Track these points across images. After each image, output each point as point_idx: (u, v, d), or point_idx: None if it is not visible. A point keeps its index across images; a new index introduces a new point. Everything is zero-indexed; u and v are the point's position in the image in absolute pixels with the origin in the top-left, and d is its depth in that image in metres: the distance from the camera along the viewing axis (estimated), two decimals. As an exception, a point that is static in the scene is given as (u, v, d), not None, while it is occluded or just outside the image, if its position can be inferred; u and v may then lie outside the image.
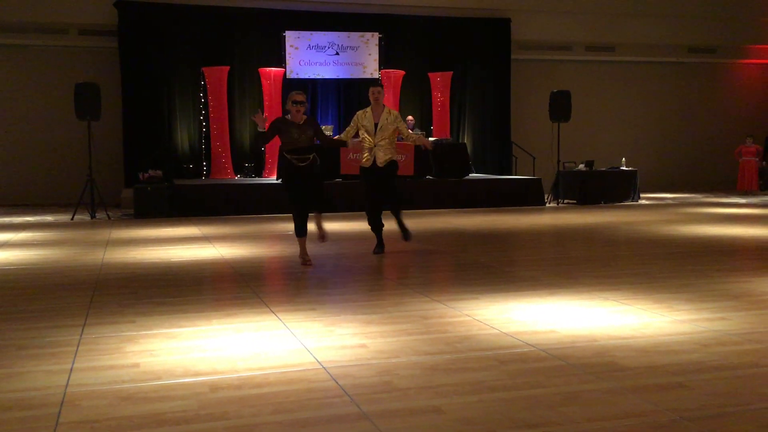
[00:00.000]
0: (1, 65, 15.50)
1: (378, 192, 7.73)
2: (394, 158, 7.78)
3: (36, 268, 7.26)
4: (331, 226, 10.66)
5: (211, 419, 3.07)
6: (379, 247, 7.91)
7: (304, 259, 7.20)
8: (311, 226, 7.25)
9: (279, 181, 7.70)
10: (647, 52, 19.31)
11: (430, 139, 15.31)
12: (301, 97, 7.03)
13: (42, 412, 3.17)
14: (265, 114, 15.57)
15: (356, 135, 7.84)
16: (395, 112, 7.80)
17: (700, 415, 3.08)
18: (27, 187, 15.53)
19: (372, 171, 7.66)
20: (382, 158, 7.61)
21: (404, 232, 7.94)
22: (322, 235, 7.39)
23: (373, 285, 6.23)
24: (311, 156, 7.02)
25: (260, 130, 7.15)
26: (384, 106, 7.74)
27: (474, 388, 3.44)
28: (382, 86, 7.85)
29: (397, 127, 7.68)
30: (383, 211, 7.90)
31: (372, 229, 7.93)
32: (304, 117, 7.04)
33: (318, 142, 7.30)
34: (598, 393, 3.36)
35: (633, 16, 18.85)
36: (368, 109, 7.70)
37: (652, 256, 7.75)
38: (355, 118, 7.76)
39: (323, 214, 7.40)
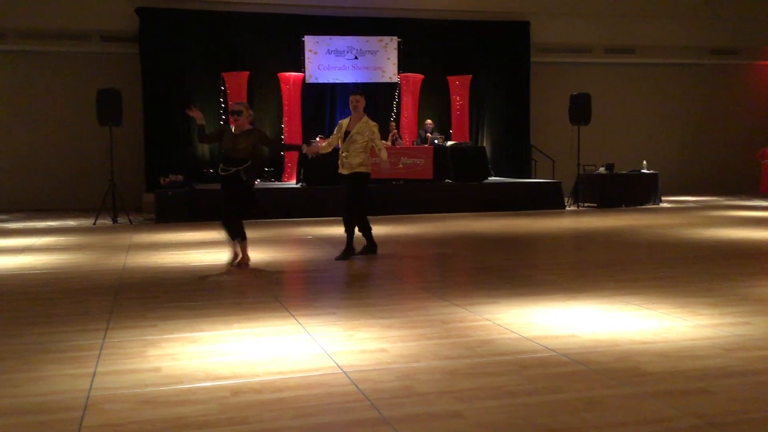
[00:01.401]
0: (25, 71, 15.69)
1: (345, 198, 7.76)
2: (361, 170, 7.64)
3: (59, 272, 7.34)
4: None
5: (232, 423, 3.09)
6: (345, 252, 7.77)
7: (235, 261, 7.37)
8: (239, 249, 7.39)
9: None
10: (668, 54, 19.15)
11: (449, 143, 15.31)
12: (237, 107, 7.19)
13: (65, 416, 3.20)
14: (285, 117, 15.67)
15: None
16: (373, 124, 7.73)
17: (723, 420, 3.05)
18: (50, 191, 15.69)
19: (342, 178, 7.71)
20: (347, 167, 7.62)
21: (347, 249, 7.77)
22: (244, 262, 7.40)
23: (392, 289, 6.23)
24: (236, 169, 7.06)
25: (200, 123, 7.32)
26: (364, 115, 7.70)
27: (495, 392, 3.43)
28: (362, 95, 7.77)
29: (372, 139, 7.63)
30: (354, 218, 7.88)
31: (350, 231, 7.84)
32: (246, 128, 7.19)
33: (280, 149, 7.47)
34: (620, 398, 3.33)
35: (653, 18, 18.71)
36: (350, 116, 7.77)
37: (674, 259, 7.68)
38: (338, 124, 7.86)
39: (245, 241, 7.42)
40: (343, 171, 7.68)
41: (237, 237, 7.33)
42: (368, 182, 7.82)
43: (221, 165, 7.16)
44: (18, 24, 15.17)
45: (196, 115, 7.26)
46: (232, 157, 7.10)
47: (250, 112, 7.39)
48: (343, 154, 7.63)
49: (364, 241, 7.97)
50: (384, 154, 7.84)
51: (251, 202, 7.37)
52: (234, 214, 7.27)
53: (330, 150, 8.02)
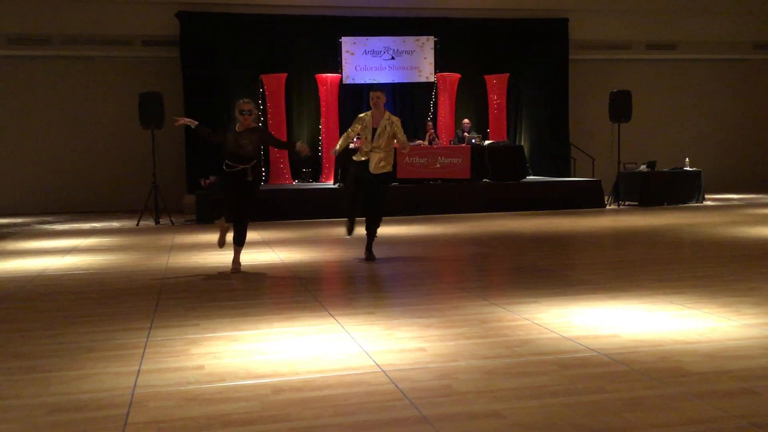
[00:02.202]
0: (69, 76, 16.04)
1: (364, 193, 7.67)
2: (389, 169, 7.70)
3: (103, 272, 7.50)
4: (388, 230, 10.70)
5: (273, 421, 3.13)
6: (351, 232, 7.91)
7: (235, 266, 7.24)
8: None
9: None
10: (710, 50, 18.78)
11: (486, 142, 15.24)
12: (249, 106, 7.19)
13: (111, 413, 3.27)
14: (322, 118, 15.75)
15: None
16: (396, 119, 7.74)
17: (770, 422, 2.99)
18: (94, 194, 16.02)
19: (364, 169, 7.60)
20: (375, 165, 7.59)
21: (369, 252, 7.81)
22: (236, 268, 7.26)
23: (430, 289, 6.23)
24: (243, 167, 7.01)
25: (194, 126, 7.38)
26: (385, 111, 7.73)
27: (534, 392, 3.41)
28: (382, 91, 7.80)
29: (395, 132, 7.64)
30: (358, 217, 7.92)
31: (347, 215, 7.87)
32: (252, 125, 7.18)
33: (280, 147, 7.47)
34: (663, 399, 3.29)
35: (695, 13, 18.37)
36: (369, 113, 7.75)
37: (718, 258, 7.55)
38: (356, 120, 7.85)
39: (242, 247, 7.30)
40: (371, 169, 7.64)
41: (237, 243, 7.18)
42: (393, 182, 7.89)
43: (226, 162, 7.08)
44: (62, 30, 15.53)
45: (185, 122, 7.38)
46: (237, 155, 7.02)
47: (257, 111, 7.42)
48: (372, 150, 7.64)
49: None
50: (407, 149, 8.01)
51: (256, 201, 7.32)
52: (238, 215, 7.14)
53: (343, 148, 8.00)
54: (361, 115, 7.87)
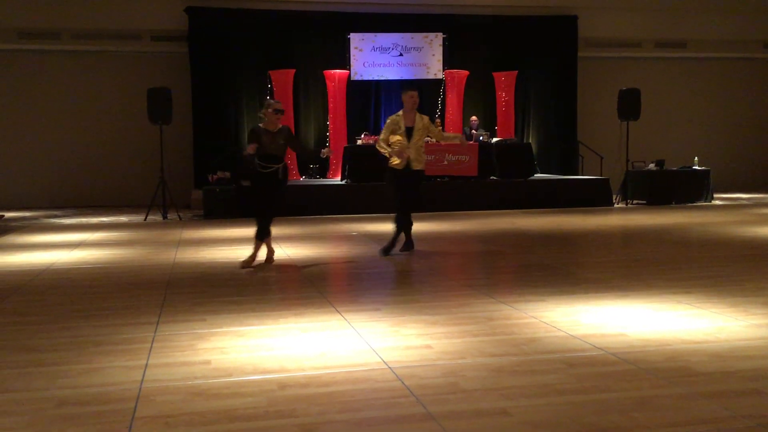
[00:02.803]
0: (78, 71, 16.09)
1: (408, 194, 7.80)
2: (423, 167, 7.89)
3: (111, 266, 7.52)
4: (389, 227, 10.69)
5: (280, 416, 3.13)
6: (409, 244, 7.98)
7: (250, 262, 7.26)
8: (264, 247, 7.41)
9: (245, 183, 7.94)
10: (720, 48, 18.69)
11: (494, 139, 15.21)
12: (282, 107, 7.37)
13: (118, 407, 3.28)
14: (330, 114, 15.77)
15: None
16: (426, 117, 7.85)
17: (778, 423, 2.98)
18: (102, 188, 16.07)
19: (404, 174, 7.71)
20: (415, 163, 7.70)
21: (410, 242, 7.99)
22: (271, 257, 7.47)
23: (437, 286, 6.22)
24: (277, 166, 7.16)
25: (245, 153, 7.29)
26: (416, 111, 7.80)
27: (541, 390, 3.40)
28: (417, 90, 7.86)
29: (429, 129, 7.78)
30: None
31: (401, 228, 7.93)
32: (279, 125, 7.27)
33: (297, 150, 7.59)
34: (670, 398, 3.28)
35: (705, 11, 18.28)
36: (400, 113, 7.75)
37: (727, 258, 7.51)
38: (389, 122, 7.81)
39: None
40: (404, 167, 7.66)
41: (266, 236, 7.35)
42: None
43: (259, 163, 7.15)
44: (71, 24, 15.57)
45: (251, 149, 7.17)
46: (272, 155, 7.17)
47: None
48: (409, 149, 7.65)
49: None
50: (465, 142, 8.26)
51: (283, 199, 7.54)
52: (269, 213, 7.34)
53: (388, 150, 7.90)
54: (391, 120, 7.80)
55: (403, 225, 7.94)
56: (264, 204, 7.32)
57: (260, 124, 7.37)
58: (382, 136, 7.88)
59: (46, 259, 7.99)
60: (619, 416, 3.07)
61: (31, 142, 15.93)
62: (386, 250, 7.87)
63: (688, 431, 2.91)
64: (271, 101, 7.40)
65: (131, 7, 15.74)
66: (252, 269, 7.15)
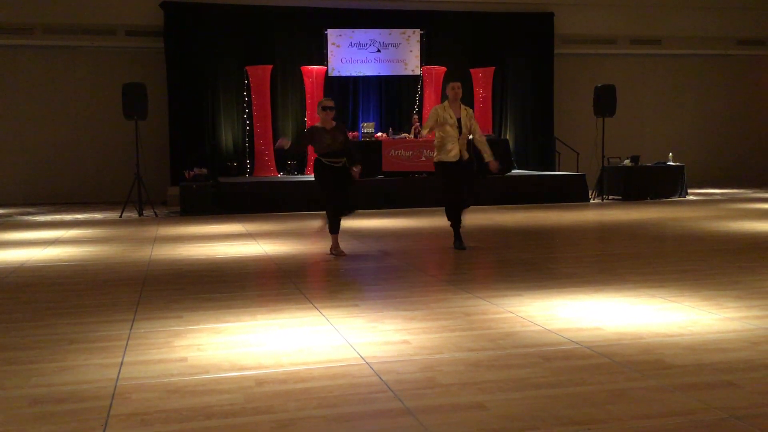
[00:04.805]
0: (52, 66, 15.88)
1: (460, 186, 7.74)
2: (472, 159, 7.88)
3: (86, 264, 7.44)
4: (372, 222, 10.70)
5: (257, 413, 3.12)
6: (459, 241, 7.92)
7: (337, 250, 7.59)
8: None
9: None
10: (694, 45, 18.90)
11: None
12: (331, 103, 7.53)
13: (93, 405, 3.26)
14: (308, 111, 15.71)
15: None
16: (470, 110, 7.88)
17: (749, 413, 3.03)
18: (77, 185, 15.90)
19: (458, 165, 7.66)
20: (466, 153, 7.71)
21: (461, 241, 7.95)
22: (342, 252, 7.68)
23: (415, 281, 6.24)
24: (343, 160, 7.46)
25: (287, 148, 7.73)
26: (459, 101, 7.79)
27: (518, 384, 3.43)
28: (459, 82, 7.86)
29: (472, 124, 7.78)
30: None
31: (452, 224, 7.93)
32: (333, 122, 7.50)
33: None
34: (644, 391, 3.32)
35: (679, 8, 18.47)
36: (445, 104, 7.75)
37: (700, 252, 7.61)
38: (434, 113, 7.75)
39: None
40: (458, 158, 7.64)
41: (337, 230, 7.59)
42: None
43: (326, 159, 7.38)
44: (44, 19, 15.35)
45: (282, 143, 7.68)
46: (335, 151, 7.39)
47: None
48: (460, 140, 7.64)
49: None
50: (485, 146, 8.02)
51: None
52: (343, 206, 7.52)
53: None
54: (436, 111, 7.71)
55: (454, 221, 7.90)
56: (339, 199, 7.46)
57: (317, 124, 7.54)
58: (425, 130, 7.94)
59: (19, 257, 7.89)
60: (595, 409, 3.10)
61: (4, 138, 15.71)
62: (459, 245, 7.86)
63: (663, 423, 2.94)
64: (322, 99, 7.63)
65: (106, 1, 15.56)
66: (344, 254, 7.52)
